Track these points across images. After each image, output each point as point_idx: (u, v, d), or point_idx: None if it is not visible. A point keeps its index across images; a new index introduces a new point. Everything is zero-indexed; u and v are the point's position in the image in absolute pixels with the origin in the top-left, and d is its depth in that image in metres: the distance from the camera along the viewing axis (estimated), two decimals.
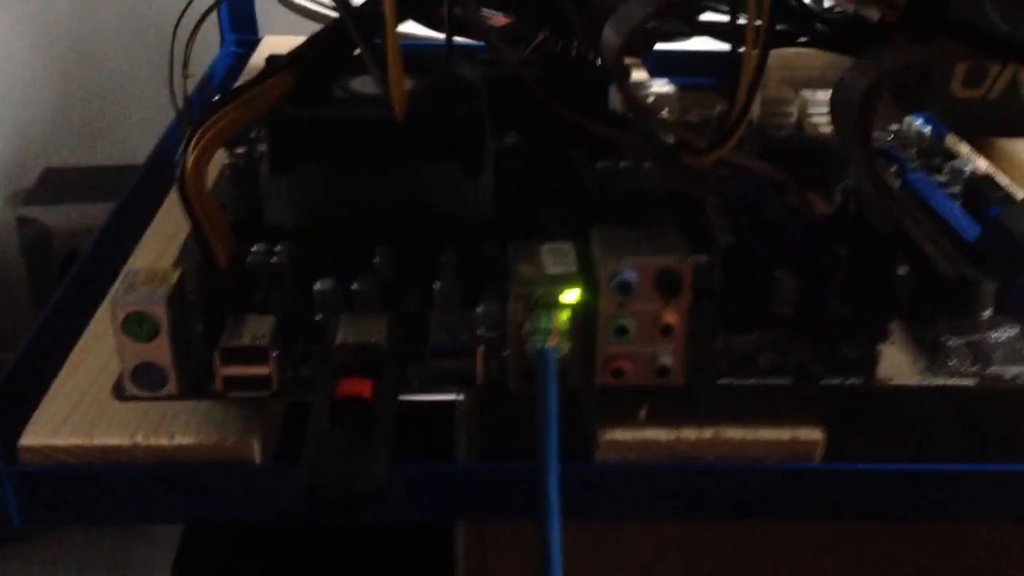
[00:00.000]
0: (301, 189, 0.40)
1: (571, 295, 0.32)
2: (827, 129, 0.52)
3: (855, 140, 0.37)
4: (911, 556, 0.43)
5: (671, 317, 0.33)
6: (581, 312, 0.33)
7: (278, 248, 0.39)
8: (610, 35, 0.37)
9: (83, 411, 0.34)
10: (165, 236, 0.44)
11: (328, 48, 0.38)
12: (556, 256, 0.34)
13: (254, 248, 0.39)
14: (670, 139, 0.39)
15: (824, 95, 0.53)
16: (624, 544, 0.41)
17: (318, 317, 0.36)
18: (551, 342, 0.32)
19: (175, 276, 0.33)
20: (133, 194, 0.47)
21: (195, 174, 0.33)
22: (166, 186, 0.47)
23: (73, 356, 0.37)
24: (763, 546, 0.41)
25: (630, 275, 0.32)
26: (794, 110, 0.53)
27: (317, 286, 0.37)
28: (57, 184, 1.25)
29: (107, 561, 1.19)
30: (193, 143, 0.34)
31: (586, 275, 0.33)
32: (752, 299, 0.39)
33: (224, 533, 0.53)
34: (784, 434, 0.35)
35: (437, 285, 0.37)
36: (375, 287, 0.37)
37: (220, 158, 0.48)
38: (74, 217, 1.19)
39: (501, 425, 0.37)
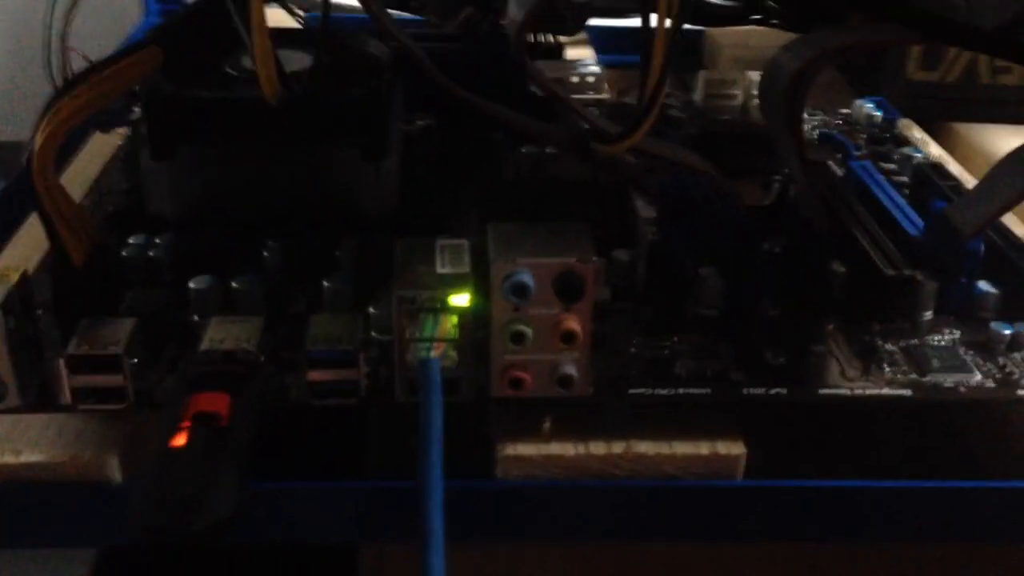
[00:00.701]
0: (182, 175, 0.36)
1: (461, 298, 0.29)
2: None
3: (783, 125, 0.33)
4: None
5: (573, 323, 0.30)
6: (474, 317, 0.29)
7: (157, 240, 0.36)
8: (513, 10, 0.34)
9: None
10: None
11: (203, 21, 0.34)
12: (449, 253, 0.31)
13: (131, 240, 0.36)
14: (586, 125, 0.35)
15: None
16: (531, 569, 0.38)
17: (194, 318, 0.33)
18: (435, 352, 0.29)
19: (16, 276, 0.29)
20: (12, 185, 0.43)
21: (43, 158, 0.30)
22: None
23: None
24: (682, 565, 0.39)
25: (526, 277, 0.29)
26: (740, 92, 0.50)
27: (192, 284, 0.33)
28: None
29: None
30: (44, 124, 0.30)
31: (479, 276, 0.30)
32: (674, 299, 0.35)
33: (132, 562, 0.49)
34: (703, 448, 0.31)
35: (326, 284, 0.34)
36: (258, 285, 0.34)
37: (111, 142, 0.44)
38: None
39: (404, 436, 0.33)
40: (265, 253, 0.35)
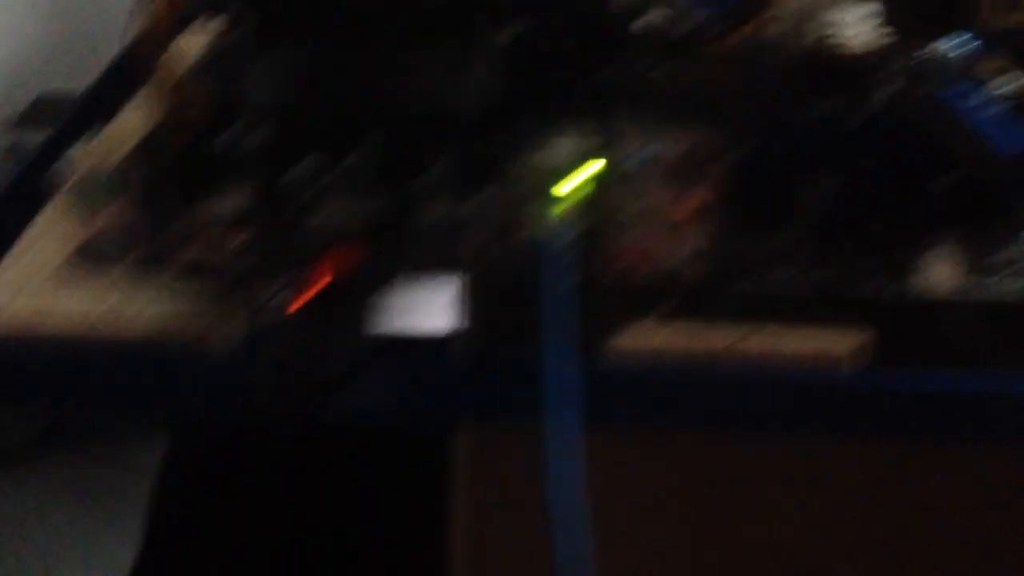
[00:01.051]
0: (284, 67, 0.36)
1: (579, 178, 0.29)
2: (854, 47, 0.48)
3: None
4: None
5: (691, 206, 0.29)
6: (590, 200, 0.29)
7: (257, 130, 0.35)
8: None
9: (36, 283, 0.31)
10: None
11: None
12: (564, 141, 0.30)
13: (230, 130, 0.35)
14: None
15: (854, 11, 0.49)
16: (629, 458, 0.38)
17: (296, 201, 0.33)
18: (555, 227, 0.28)
19: (135, 142, 0.29)
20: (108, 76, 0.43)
21: (154, 34, 0.29)
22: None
23: (34, 227, 0.33)
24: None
25: (647, 157, 0.29)
26: (819, 26, 0.49)
27: (297, 167, 0.33)
28: (49, 111, 1.21)
29: (96, 491, 1.17)
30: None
31: (598, 159, 0.29)
32: (779, 204, 0.35)
33: (211, 445, 0.49)
34: (811, 343, 0.31)
35: (429, 173, 0.33)
36: (362, 171, 0.33)
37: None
38: None
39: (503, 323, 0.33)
40: (365, 149, 0.35)
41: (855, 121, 0.41)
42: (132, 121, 0.40)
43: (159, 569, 0.50)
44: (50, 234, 0.33)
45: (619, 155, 0.28)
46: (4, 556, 1.11)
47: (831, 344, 0.31)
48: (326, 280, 0.26)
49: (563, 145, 0.29)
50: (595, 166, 0.29)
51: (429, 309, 0.32)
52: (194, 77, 0.40)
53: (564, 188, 0.28)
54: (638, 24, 0.39)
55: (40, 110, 1.25)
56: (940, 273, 0.33)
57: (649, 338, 0.31)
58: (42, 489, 1.19)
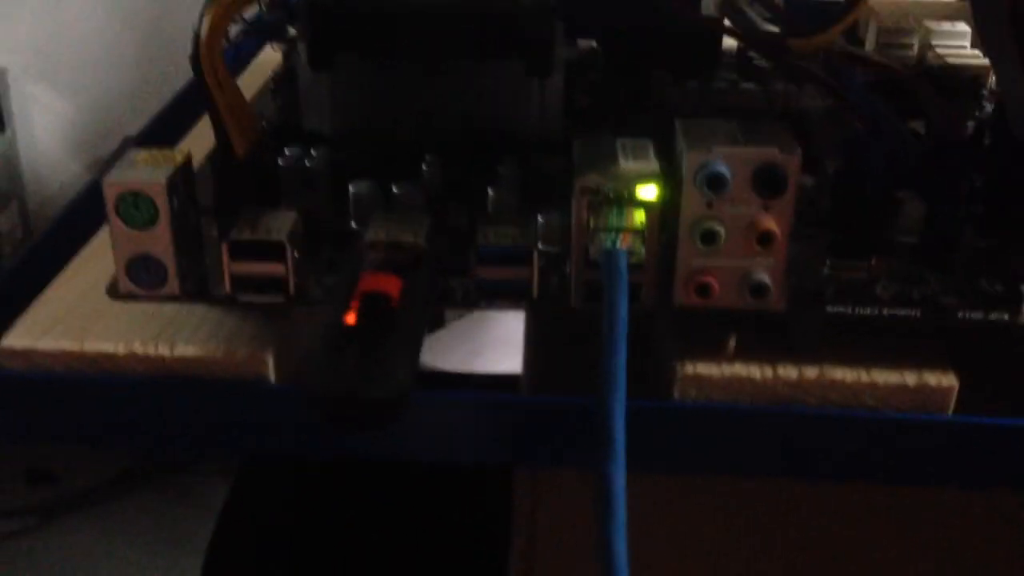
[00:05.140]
0: (341, 87, 0.35)
1: (648, 190, 0.27)
2: (955, 60, 0.45)
3: (1004, 32, 0.30)
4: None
5: (771, 222, 0.27)
6: (661, 215, 0.27)
7: (314, 152, 0.34)
8: None
9: (76, 315, 0.30)
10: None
11: None
12: (632, 150, 0.28)
13: (288, 151, 0.34)
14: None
15: (951, 25, 0.46)
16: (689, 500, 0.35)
17: (352, 225, 0.31)
18: (622, 243, 0.26)
19: (180, 157, 0.28)
20: (177, 101, 0.43)
21: (211, 41, 0.28)
22: None
23: (77, 260, 0.32)
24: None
25: (722, 167, 0.26)
26: (915, 41, 0.46)
27: (352, 188, 0.32)
28: None
29: (158, 527, 1.18)
30: (208, 8, 0.29)
31: (668, 171, 0.27)
32: (867, 225, 0.32)
33: (274, 478, 0.48)
34: (909, 378, 0.28)
35: (491, 193, 0.32)
36: (420, 192, 0.32)
37: (271, 62, 0.43)
38: None
39: (566, 357, 0.31)
40: (424, 167, 0.34)
41: (959, 137, 0.38)
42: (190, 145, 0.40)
43: None
44: (102, 260, 0.32)
45: (694, 173, 0.26)
46: None
47: (933, 377, 0.28)
48: (384, 301, 0.24)
49: (632, 166, 0.27)
50: (665, 186, 0.26)
51: (490, 342, 0.30)
52: (254, 100, 0.39)
53: (633, 211, 0.26)
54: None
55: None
56: None
57: (724, 369, 0.28)
58: (114, 529, 1.20)
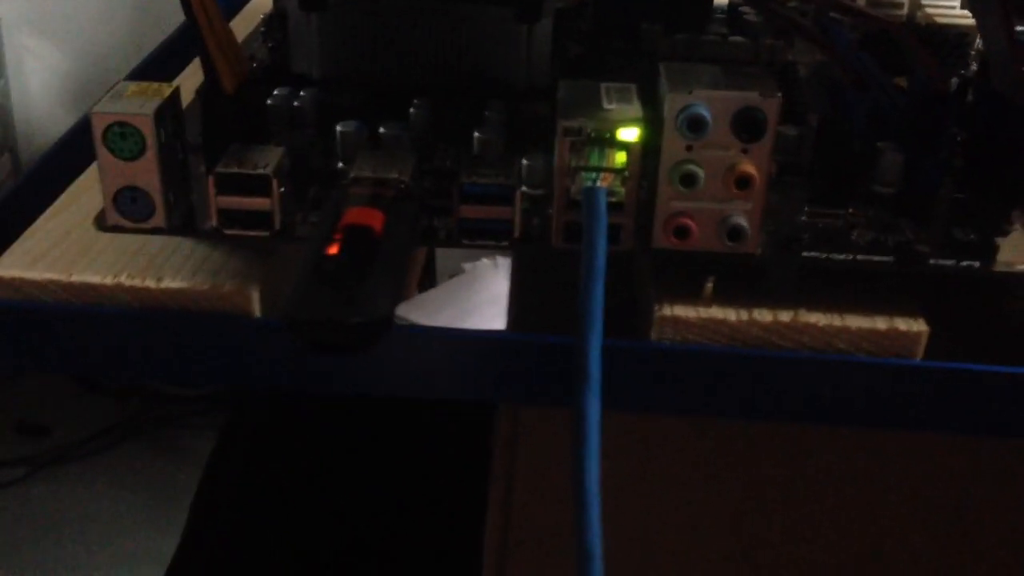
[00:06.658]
0: (330, 29, 0.35)
1: (629, 132, 0.27)
2: (944, 20, 0.45)
3: None
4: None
5: (750, 166, 0.27)
6: (640, 158, 0.27)
7: (302, 93, 0.34)
8: None
9: (65, 246, 0.30)
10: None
11: None
12: (615, 93, 0.28)
13: (276, 91, 0.34)
14: None
15: None
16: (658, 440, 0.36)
17: (339, 164, 0.32)
18: (602, 182, 0.27)
19: (168, 91, 0.28)
20: (169, 43, 0.43)
21: None
22: None
23: (67, 193, 0.33)
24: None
25: (702, 110, 0.27)
26: (905, 0, 0.47)
27: (339, 127, 0.32)
28: None
29: (147, 480, 1.20)
30: None
31: (649, 114, 0.28)
32: (847, 175, 0.33)
33: (260, 428, 0.49)
34: (880, 323, 0.29)
35: (477, 136, 0.32)
36: (406, 134, 0.32)
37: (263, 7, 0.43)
38: None
39: (551, 300, 0.31)
40: (412, 111, 0.34)
41: (942, 90, 0.39)
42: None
43: (195, 558, 0.49)
44: (92, 194, 0.33)
45: (675, 115, 0.26)
46: (63, 541, 1.13)
47: (904, 322, 0.29)
48: (366, 233, 0.25)
49: (615, 108, 0.27)
50: (646, 130, 0.27)
51: (481, 303, 0.31)
52: (246, 42, 0.39)
53: (614, 152, 0.26)
54: None
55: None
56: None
57: (700, 311, 0.29)
58: (104, 481, 1.21)
